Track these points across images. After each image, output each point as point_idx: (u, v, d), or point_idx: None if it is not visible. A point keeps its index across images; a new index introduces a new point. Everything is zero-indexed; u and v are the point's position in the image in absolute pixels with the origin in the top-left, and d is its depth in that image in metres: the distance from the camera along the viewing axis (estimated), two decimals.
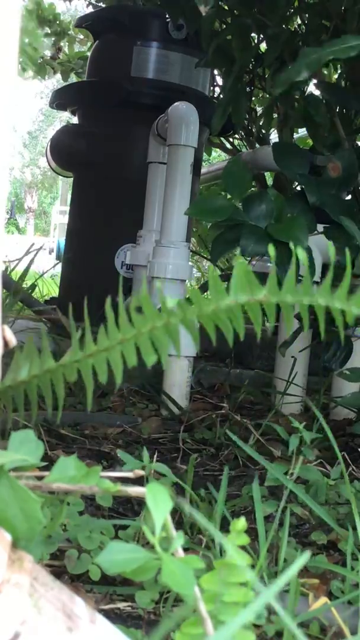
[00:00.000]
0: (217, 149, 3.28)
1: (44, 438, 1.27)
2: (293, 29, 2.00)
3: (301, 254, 0.57)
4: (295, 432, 1.05)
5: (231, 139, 2.97)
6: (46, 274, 2.98)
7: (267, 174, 2.96)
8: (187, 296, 1.95)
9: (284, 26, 1.80)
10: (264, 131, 2.60)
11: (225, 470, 0.96)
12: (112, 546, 0.49)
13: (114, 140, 2.51)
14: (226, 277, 2.60)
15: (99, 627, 0.48)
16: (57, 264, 2.94)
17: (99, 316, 0.68)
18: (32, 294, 2.36)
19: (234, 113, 1.88)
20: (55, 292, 3.66)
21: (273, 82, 1.94)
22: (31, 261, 2.09)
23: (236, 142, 3.02)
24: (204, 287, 2.13)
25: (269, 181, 2.96)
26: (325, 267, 1.71)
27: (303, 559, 0.41)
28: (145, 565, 0.49)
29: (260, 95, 2.71)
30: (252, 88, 2.32)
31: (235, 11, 1.89)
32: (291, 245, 0.63)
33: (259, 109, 2.69)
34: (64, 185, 12.43)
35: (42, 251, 2.63)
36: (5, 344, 0.55)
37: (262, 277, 0.62)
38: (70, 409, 1.54)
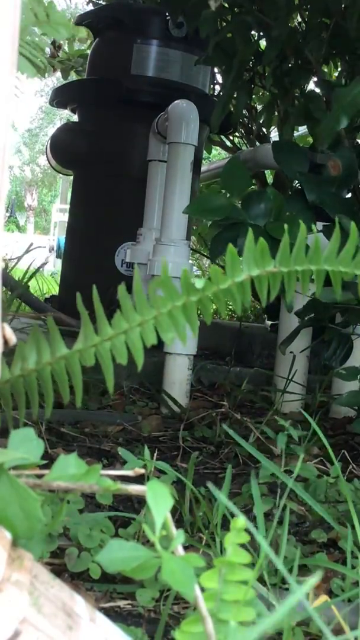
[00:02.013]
0: (217, 147, 3.28)
1: (44, 436, 1.27)
2: (293, 27, 1.99)
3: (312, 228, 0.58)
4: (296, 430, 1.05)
5: (231, 137, 2.97)
6: (45, 271, 2.98)
7: (268, 172, 2.96)
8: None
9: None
10: (264, 129, 2.60)
11: (228, 469, 0.96)
12: (113, 544, 0.49)
13: (114, 138, 2.50)
14: None
15: (99, 625, 0.48)
16: (47, 260, 2.92)
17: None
18: (30, 291, 2.36)
19: (234, 109, 1.88)
20: (55, 290, 3.66)
21: (273, 80, 1.94)
22: (35, 264, 2.09)
23: (236, 140, 3.02)
24: None
25: (270, 179, 2.96)
26: None
27: (315, 578, 0.41)
28: (146, 564, 0.49)
29: (260, 93, 2.70)
30: (252, 86, 2.32)
31: (235, 9, 1.89)
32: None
33: (259, 107, 2.68)
34: (64, 183, 12.42)
35: (42, 249, 2.63)
36: (5, 342, 0.54)
37: None
38: (70, 406, 1.54)
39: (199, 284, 0.63)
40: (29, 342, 0.68)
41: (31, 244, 2.35)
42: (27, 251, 2.15)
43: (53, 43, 3.57)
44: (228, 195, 1.50)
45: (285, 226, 0.64)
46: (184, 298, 0.63)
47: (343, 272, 0.63)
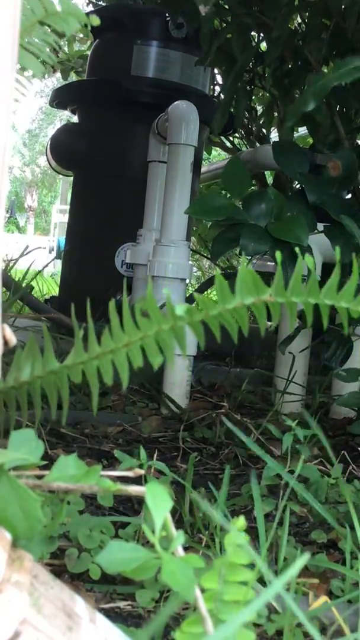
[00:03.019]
0: (217, 148, 3.28)
1: (44, 437, 1.27)
2: (293, 28, 1.99)
3: (308, 259, 0.57)
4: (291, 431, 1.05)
5: (231, 138, 2.97)
6: (45, 272, 2.98)
7: (268, 173, 2.96)
8: (189, 297, 1.95)
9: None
10: (264, 130, 2.60)
11: (226, 470, 0.96)
12: (112, 545, 0.49)
13: (114, 139, 2.50)
14: (228, 275, 2.59)
15: (99, 626, 0.48)
16: (52, 260, 2.91)
17: (99, 314, 0.68)
18: (32, 293, 2.35)
19: (234, 112, 1.88)
20: (55, 291, 3.66)
21: (273, 81, 1.94)
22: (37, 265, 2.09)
23: (236, 140, 3.02)
24: (201, 288, 2.13)
25: (270, 180, 2.96)
26: (325, 266, 1.71)
27: (302, 560, 0.41)
28: (146, 564, 0.49)
29: (261, 94, 2.71)
30: (253, 87, 2.32)
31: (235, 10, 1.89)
32: (296, 249, 0.64)
33: (259, 108, 2.68)
34: (64, 184, 12.43)
35: (42, 250, 2.62)
36: (5, 343, 0.54)
37: (262, 276, 0.62)
38: (69, 407, 1.54)
39: (179, 310, 0.62)
40: (25, 352, 0.69)
41: (27, 247, 2.35)
42: (23, 254, 2.14)
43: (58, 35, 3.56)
44: (228, 195, 1.49)
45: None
46: (171, 322, 0.63)
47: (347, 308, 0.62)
